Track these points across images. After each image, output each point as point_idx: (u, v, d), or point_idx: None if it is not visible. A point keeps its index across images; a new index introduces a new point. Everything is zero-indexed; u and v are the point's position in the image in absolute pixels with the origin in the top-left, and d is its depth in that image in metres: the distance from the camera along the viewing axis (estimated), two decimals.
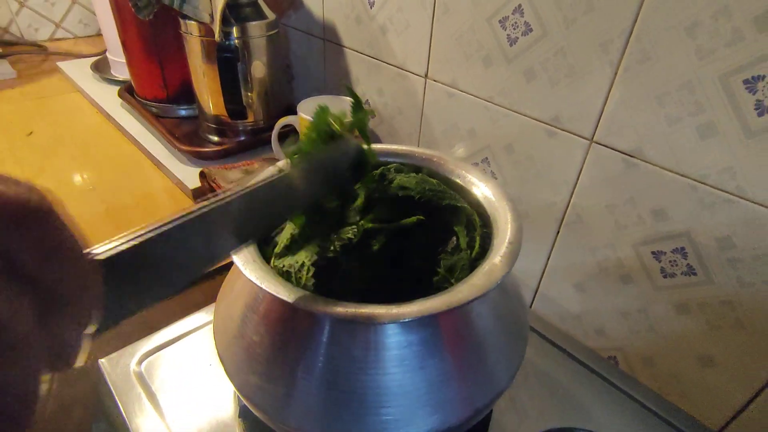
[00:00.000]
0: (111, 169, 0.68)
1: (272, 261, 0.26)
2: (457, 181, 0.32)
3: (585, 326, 0.50)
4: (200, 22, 0.60)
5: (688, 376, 0.43)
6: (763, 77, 0.32)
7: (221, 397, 0.37)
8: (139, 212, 0.60)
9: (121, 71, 0.92)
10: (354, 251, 0.27)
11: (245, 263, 0.24)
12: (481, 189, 0.30)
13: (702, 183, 0.37)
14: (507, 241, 0.26)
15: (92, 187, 0.63)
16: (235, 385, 0.26)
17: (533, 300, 0.55)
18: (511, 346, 0.27)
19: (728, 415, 0.41)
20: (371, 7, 0.59)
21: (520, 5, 0.43)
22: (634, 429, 0.38)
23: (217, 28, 0.56)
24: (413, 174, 0.32)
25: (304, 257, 0.24)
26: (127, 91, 0.80)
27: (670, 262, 0.41)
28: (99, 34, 1.24)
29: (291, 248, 0.26)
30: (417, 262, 0.29)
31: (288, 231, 0.27)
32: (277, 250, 0.26)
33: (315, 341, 0.23)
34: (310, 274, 0.24)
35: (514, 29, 0.45)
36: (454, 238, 0.29)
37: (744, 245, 0.36)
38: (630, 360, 0.47)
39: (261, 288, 0.23)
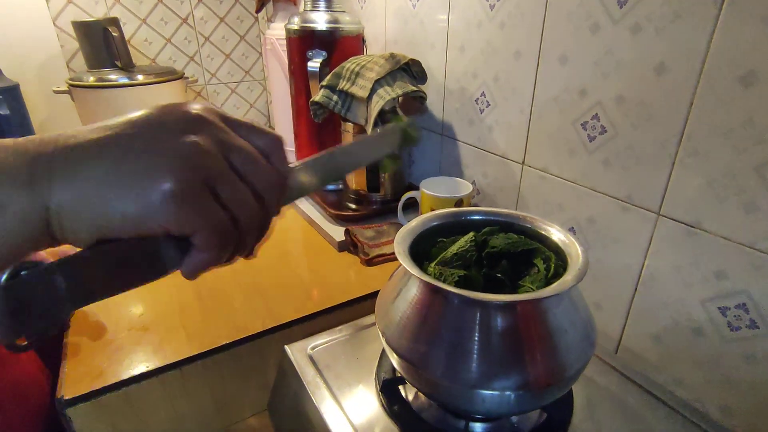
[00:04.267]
0: (279, 225, 0.92)
1: (428, 266, 0.43)
2: (542, 232, 0.46)
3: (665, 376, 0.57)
4: (356, 124, 0.85)
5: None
6: None
7: (365, 378, 0.51)
8: (299, 253, 0.81)
9: None
10: (475, 273, 0.42)
11: (411, 267, 0.40)
12: (559, 236, 0.44)
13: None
14: (577, 268, 0.39)
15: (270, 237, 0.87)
16: (391, 347, 0.41)
17: (617, 350, 0.63)
18: (579, 343, 0.39)
19: None
20: (481, 113, 0.78)
21: (596, 114, 0.59)
22: None
23: (369, 128, 0.79)
24: (502, 234, 0.47)
25: (457, 272, 0.41)
26: None
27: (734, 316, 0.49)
28: None
29: (448, 262, 0.42)
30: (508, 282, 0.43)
31: (452, 250, 0.43)
32: (437, 260, 0.43)
33: (445, 314, 0.38)
34: (455, 279, 0.40)
35: (593, 130, 0.60)
36: (536, 267, 0.43)
37: None
38: (709, 409, 0.53)
39: (422, 280, 0.38)
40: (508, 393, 0.37)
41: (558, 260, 0.43)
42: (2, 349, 0.44)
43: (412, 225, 0.47)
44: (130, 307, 0.65)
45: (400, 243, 0.44)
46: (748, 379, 0.49)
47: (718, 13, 0.44)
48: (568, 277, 0.38)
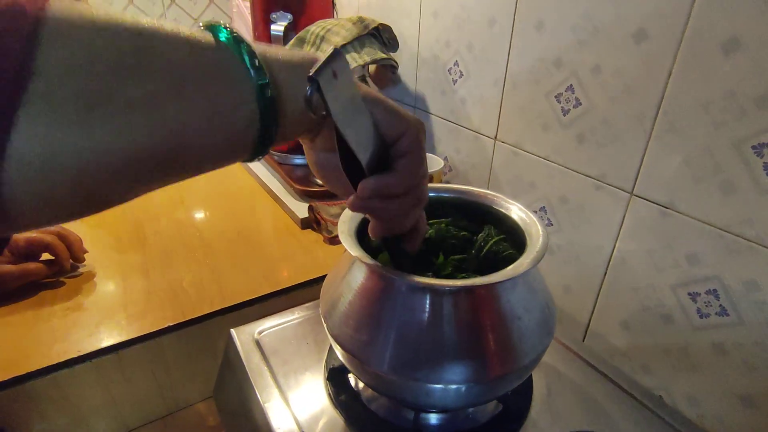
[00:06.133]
0: (241, 200, 0.87)
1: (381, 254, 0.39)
2: (501, 210, 0.42)
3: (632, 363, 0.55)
4: None
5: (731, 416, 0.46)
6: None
7: (313, 365, 0.48)
8: (260, 230, 0.76)
9: None
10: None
11: (355, 249, 0.36)
12: (519, 215, 0.41)
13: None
14: (535, 250, 0.36)
15: (228, 212, 0.82)
16: (333, 336, 0.38)
17: (585, 336, 0.60)
18: (535, 331, 0.36)
19: None
20: (454, 84, 0.73)
21: (571, 84, 0.54)
22: None
23: None
24: (443, 227, 0.44)
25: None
26: None
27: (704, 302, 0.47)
28: None
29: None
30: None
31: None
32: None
33: (391, 301, 0.34)
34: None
35: (567, 102, 0.56)
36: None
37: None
38: (674, 397, 0.51)
39: (366, 264, 0.34)
40: (457, 386, 0.34)
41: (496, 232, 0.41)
42: None
43: None
44: (66, 285, 0.61)
45: (345, 222, 0.39)
46: (715, 368, 0.47)
47: None
48: (525, 260, 0.35)
